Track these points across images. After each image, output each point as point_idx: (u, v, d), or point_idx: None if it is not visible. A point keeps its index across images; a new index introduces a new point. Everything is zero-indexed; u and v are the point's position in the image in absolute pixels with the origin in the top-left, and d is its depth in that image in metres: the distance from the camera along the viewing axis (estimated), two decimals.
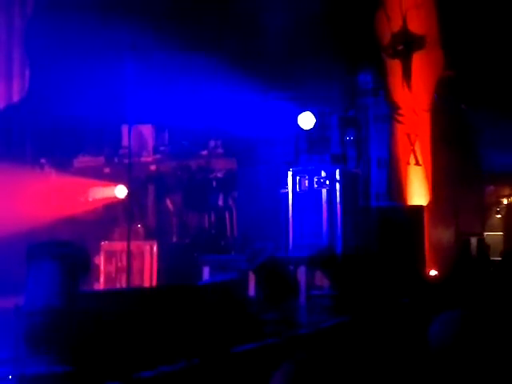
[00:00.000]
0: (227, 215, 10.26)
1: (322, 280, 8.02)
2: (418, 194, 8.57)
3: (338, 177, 8.56)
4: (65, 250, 5.86)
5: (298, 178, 8.80)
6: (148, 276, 9.80)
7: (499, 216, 11.75)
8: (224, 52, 9.54)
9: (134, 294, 7.40)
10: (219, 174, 10.65)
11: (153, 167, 11.52)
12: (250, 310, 7.11)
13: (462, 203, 9.23)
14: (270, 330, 6.11)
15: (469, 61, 8.76)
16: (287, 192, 8.89)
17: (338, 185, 8.54)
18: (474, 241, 8.47)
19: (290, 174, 8.87)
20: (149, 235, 10.56)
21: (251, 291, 7.56)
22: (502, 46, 8.70)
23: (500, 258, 8.85)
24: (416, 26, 8.65)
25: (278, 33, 9.02)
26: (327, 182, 8.57)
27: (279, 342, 5.69)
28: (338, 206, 8.49)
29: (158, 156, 11.59)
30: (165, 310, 6.32)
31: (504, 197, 11.60)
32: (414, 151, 8.59)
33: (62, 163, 11.63)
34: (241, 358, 5.46)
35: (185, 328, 6.01)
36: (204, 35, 9.54)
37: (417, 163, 8.61)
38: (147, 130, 11.58)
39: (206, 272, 8.61)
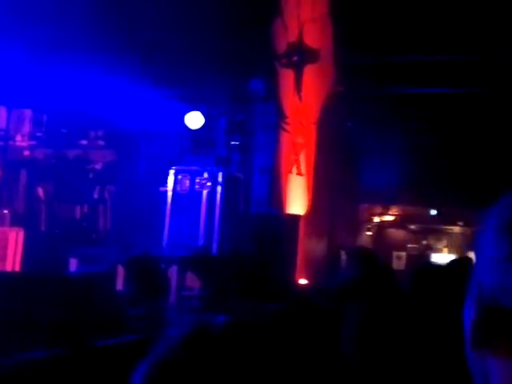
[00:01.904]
0: (101, 208, 9.93)
1: (193, 281, 7.92)
2: (296, 203, 8.67)
3: (220, 179, 8.53)
4: None
5: (179, 177, 8.68)
6: (11, 264, 9.31)
7: (370, 233, 12.21)
8: (111, 43, 9.24)
9: None
10: (97, 166, 10.31)
11: (27, 152, 10.98)
12: (116, 303, 6.89)
13: (337, 217, 9.46)
14: (134, 326, 5.96)
15: (357, 80, 9.01)
16: (167, 190, 8.74)
17: (219, 187, 8.51)
18: (343, 254, 8.66)
19: (171, 172, 8.74)
20: (16, 222, 10.03)
21: (119, 286, 7.34)
22: (391, 71, 9.04)
23: None
24: (311, 39, 8.77)
25: (170, 28, 8.84)
26: (209, 184, 8.51)
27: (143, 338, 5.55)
28: (218, 208, 8.46)
29: (33, 142, 11.08)
30: (26, 297, 5.99)
31: (376, 215, 12.07)
32: (297, 161, 8.69)
33: None
34: (103, 353, 5.28)
35: (47, 317, 5.72)
36: (91, 23, 9.20)
37: (299, 173, 8.72)
38: (25, 114, 11.07)
39: (73, 264, 8.29)
